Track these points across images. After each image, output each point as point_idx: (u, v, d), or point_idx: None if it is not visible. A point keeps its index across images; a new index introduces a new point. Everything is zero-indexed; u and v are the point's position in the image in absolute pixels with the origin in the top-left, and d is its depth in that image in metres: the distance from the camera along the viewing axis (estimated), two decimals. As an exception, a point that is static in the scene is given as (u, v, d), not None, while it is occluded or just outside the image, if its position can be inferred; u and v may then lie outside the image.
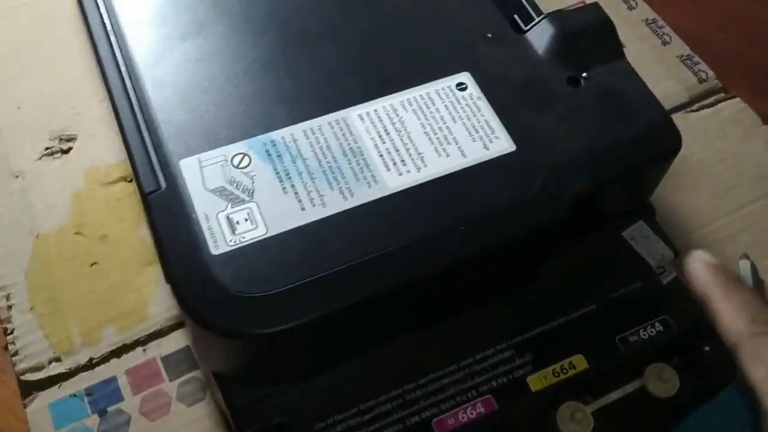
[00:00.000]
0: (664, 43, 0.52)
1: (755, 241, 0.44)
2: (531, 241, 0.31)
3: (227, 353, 0.30)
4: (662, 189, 0.45)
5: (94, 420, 0.38)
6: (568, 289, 0.35)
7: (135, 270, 0.42)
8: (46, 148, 0.46)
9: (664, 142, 0.34)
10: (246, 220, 0.30)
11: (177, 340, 0.40)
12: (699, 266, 0.34)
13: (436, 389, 0.32)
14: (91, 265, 0.42)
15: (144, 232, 0.43)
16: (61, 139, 0.46)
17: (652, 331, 0.34)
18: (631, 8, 0.53)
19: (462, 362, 0.33)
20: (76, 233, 0.43)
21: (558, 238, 0.32)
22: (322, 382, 0.32)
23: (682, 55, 0.51)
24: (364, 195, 0.31)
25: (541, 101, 0.34)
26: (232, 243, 0.30)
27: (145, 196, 0.31)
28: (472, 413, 0.32)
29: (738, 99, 0.49)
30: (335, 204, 0.31)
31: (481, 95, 0.34)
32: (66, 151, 0.46)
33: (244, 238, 0.30)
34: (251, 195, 0.31)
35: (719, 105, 0.49)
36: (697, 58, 0.51)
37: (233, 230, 0.30)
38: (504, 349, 0.33)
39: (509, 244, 0.31)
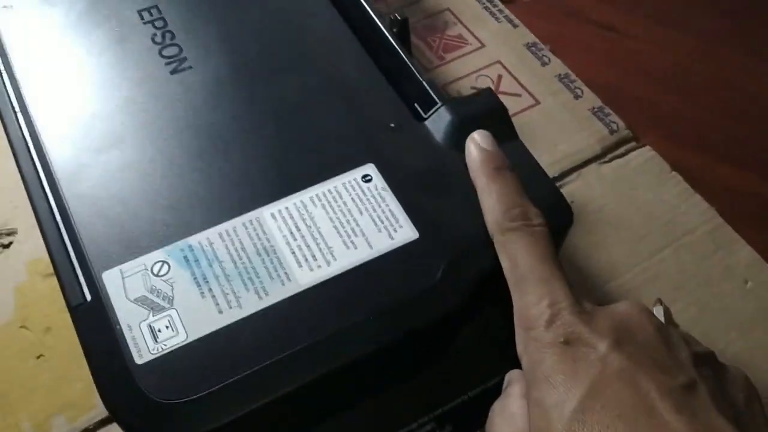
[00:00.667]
0: (576, 97, 0.54)
1: (668, 287, 0.47)
2: (438, 326, 0.34)
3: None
4: (578, 241, 0.48)
5: None
6: (483, 359, 0.37)
7: (80, 359, 0.43)
8: (-12, 244, 0.48)
9: (556, 217, 0.36)
10: (167, 327, 0.32)
11: (122, 427, 0.42)
12: (471, 150, 0.35)
13: (360, 467, 0.34)
14: (37, 357, 0.44)
15: (86, 322, 0.45)
16: (1, 234, 0.48)
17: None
18: (544, 64, 0.56)
19: (384, 438, 0.35)
20: (21, 327, 0.45)
21: (465, 318, 0.35)
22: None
23: (593, 108, 0.54)
24: (279, 293, 0.33)
25: (442, 187, 0.36)
26: (154, 351, 0.32)
27: (71, 310, 0.33)
28: (394, 489, 0.34)
29: (648, 147, 0.52)
30: (251, 304, 0.33)
31: (385, 185, 0.36)
32: (6, 246, 0.48)
33: (165, 345, 0.32)
34: (171, 302, 0.33)
35: (630, 155, 0.52)
36: (608, 110, 0.54)
37: (155, 338, 0.32)
38: (426, 422, 0.35)
39: (417, 331, 0.33)
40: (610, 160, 0.52)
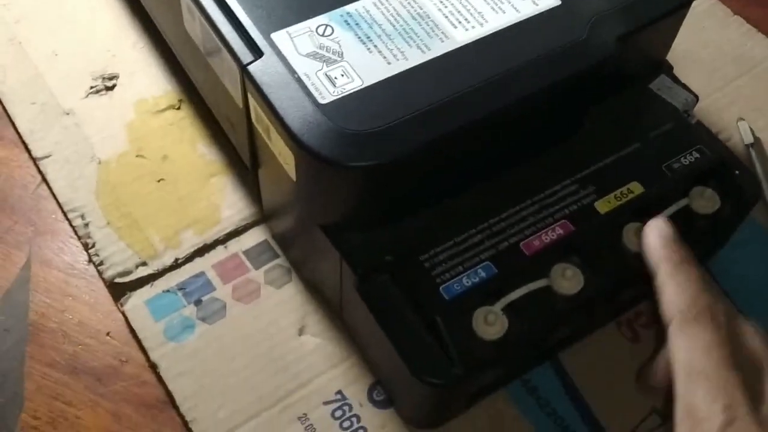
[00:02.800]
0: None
1: (747, 108, 0.50)
2: (584, 78, 0.36)
3: (341, 191, 0.34)
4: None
5: (191, 309, 0.40)
6: (612, 133, 0.39)
7: (200, 182, 0.45)
8: (91, 87, 0.49)
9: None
10: (342, 75, 0.34)
11: (255, 236, 0.43)
12: (654, 239, 0.34)
13: (518, 220, 0.36)
14: (158, 181, 0.45)
15: (203, 150, 0.46)
16: (103, 78, 0.49)
17: (691, 158, 0.39)
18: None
19: (535, 197, 0.37)
20: (137, 156, 0.46)
21: (601, 81, 0.37)
22: (417, 223, 0.35)
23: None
24: (439, 48, 0.35)
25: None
26: (335, 94, 0.33)
27: (244, 68, 0.34)
28: (553, 235, 0.36)
29: (709, -5, 0.56)
30: (415, 57, 0.35)
31: (524, -35, 0.39)
32: (111, 88, 0.49)
33: (344, 89, 0.33)
34: (341, 56, 0.34)
35: (694, 3, 0.55)
36: (667, -35, 0.57)
37: (333, 84, 0.33)
38: (569, 184, 0.37)
39: (568, 79, 0.35)
40: (677, 6, 0.55)
